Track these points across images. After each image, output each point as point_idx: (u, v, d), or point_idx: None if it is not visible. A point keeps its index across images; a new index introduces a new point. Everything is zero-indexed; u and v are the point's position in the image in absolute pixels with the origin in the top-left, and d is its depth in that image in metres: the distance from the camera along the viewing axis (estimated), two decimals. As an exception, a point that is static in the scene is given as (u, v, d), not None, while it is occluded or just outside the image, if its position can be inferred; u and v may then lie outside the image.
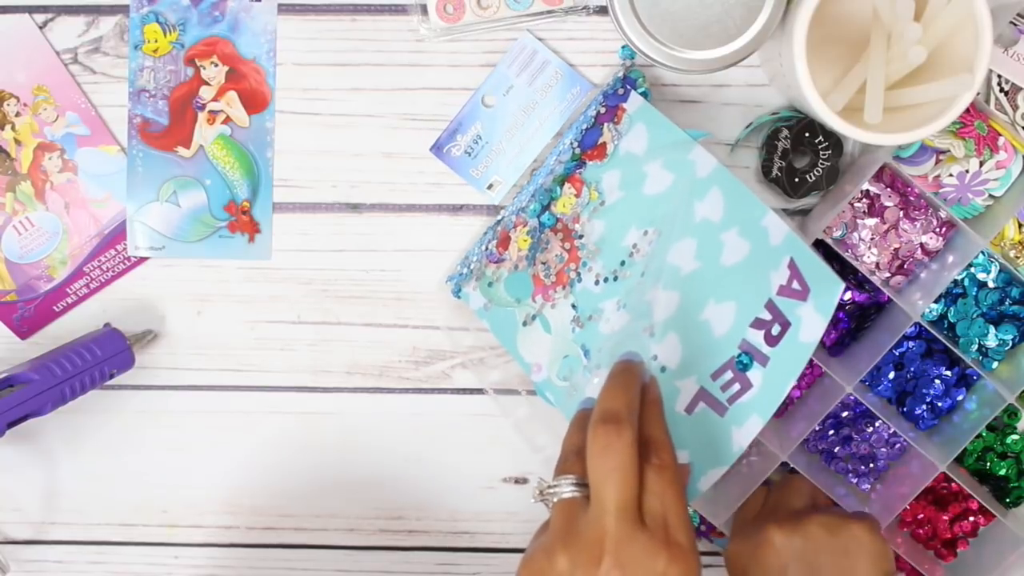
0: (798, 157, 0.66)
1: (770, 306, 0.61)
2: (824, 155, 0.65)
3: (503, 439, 0.71)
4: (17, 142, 0.68)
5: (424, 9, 0.66)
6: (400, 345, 0.70)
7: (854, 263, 0.66)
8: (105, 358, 0.66)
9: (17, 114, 0.68)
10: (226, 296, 0.70)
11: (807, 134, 0.65)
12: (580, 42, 0.67)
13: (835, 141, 0.65)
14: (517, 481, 0.72)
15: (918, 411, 0.69)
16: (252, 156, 0.68)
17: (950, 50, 0.58)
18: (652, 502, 0.50)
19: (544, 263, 0.66)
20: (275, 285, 0.70)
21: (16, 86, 0.68)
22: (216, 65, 0.68)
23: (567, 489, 0.52)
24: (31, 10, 0.67)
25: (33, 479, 0.72)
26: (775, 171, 0.66)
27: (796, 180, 0.66)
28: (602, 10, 0.66)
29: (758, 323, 0.61)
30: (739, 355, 0.62)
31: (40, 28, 0.68)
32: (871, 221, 0.67)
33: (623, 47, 0.67)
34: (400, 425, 0.71)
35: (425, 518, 0.72)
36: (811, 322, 0.60)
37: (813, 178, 0.66)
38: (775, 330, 0.61)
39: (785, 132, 0.65)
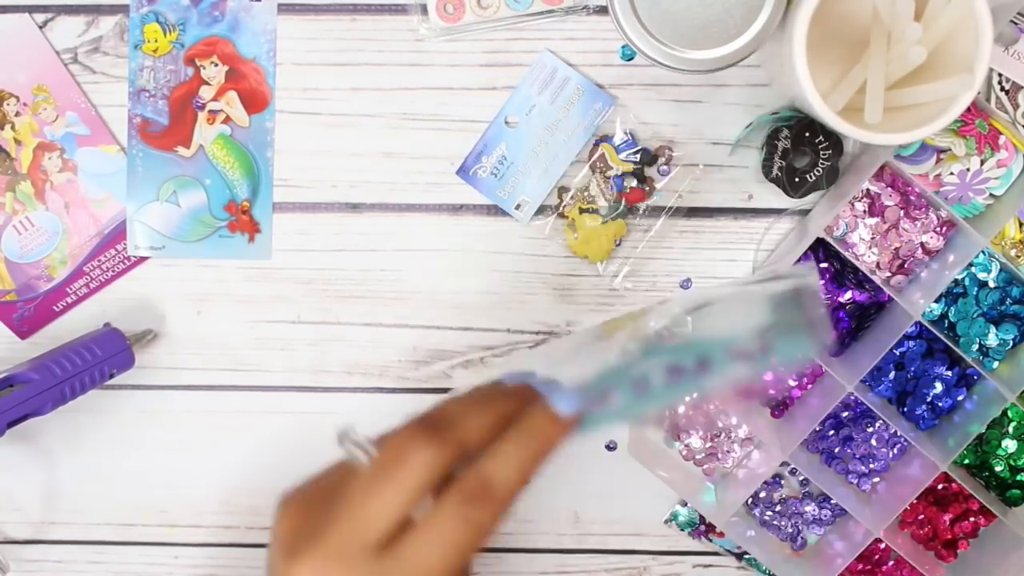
0: (798, 157, 0.66)
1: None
2: (824, 155, 0.65)
3: (503, 439, 0.71)
4: (17, 142, 0.68)
5: (424, 9, 0.66)
6: (400, 345, 0.70)
7: (855, 262, 0.66)
8: (105, 358, 0.66)
9: (17, 114, 0.68)
10: (226, 296, 0.70)
11: (807, 134, 0.65)
12: (580, 42, 0.67)
13: (835, 141, 0.65)
14: (517, 481, 0.72)
15: (919, 411, 0.69)
16: (252, 156, 0.68)
17: (950, 50, 0.58)
18: (419, 544, 0.38)
19: None
20: (275, 285, 0.70)
21: (16, 86, 0.68)
22: (216, 65, 0.68)
23: (360, 452, 0.41)
24: (31, 10, 0.67)
25: (33, 479, 0.72)
26: (775, 171, 0.66)
27: (796, 180, 0.66)
28: (602, 10, 0.66)
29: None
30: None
31: (40, 28, 0.68)
32: (872, 220, 0.67)
33: (623, 47, 0.67)
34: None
35: (425, 518, 0.72)
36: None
37: (813, 178, 0.66)
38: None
39: (785, 132, 0.65)
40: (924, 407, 0.69)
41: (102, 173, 0.69)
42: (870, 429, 0.70)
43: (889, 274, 0.68)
